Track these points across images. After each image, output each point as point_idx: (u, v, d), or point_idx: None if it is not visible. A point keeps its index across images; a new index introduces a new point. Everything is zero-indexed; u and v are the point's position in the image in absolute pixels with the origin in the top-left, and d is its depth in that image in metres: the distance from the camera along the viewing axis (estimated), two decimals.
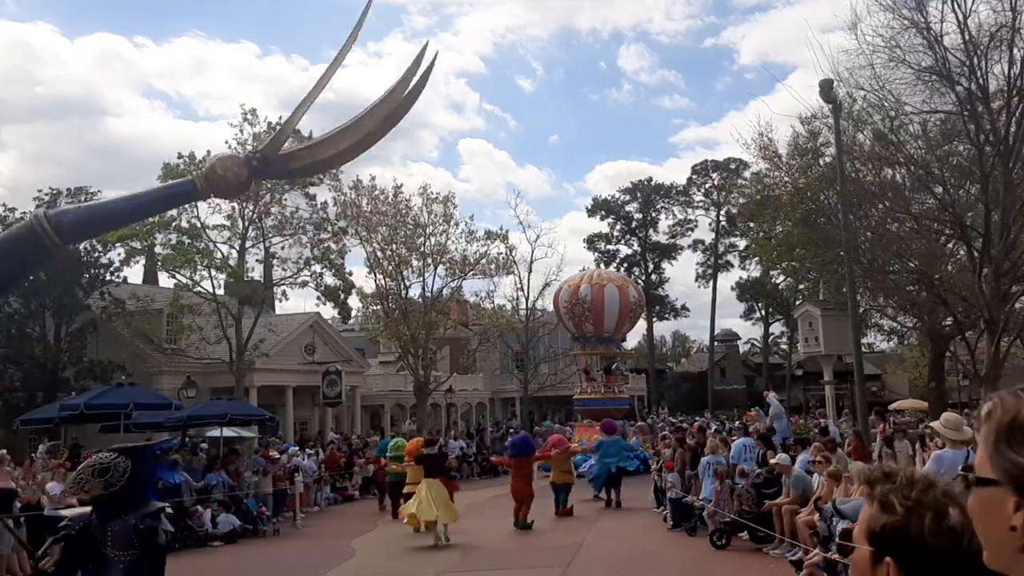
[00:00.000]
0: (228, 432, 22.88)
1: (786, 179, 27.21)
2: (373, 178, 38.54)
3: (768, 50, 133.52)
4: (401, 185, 39.00)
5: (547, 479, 20.66)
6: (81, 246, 32.16)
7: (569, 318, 33.97)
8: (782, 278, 48.17)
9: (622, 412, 32.47)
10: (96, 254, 32.55)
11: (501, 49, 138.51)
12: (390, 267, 38.62)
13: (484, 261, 40.37)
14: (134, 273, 36.02)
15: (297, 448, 26.19)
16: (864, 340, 29.57)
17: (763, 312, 68.87)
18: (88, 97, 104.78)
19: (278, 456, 23.24)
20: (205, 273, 31.79)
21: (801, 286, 42.03)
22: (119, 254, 32.06)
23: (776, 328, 70.22)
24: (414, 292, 40.12)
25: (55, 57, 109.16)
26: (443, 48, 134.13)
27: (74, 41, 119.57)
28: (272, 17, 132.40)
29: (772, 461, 14.13)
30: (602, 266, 63.91)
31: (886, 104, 18.52)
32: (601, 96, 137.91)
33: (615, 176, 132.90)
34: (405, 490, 17.81)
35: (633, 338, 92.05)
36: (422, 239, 38.71)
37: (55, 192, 32.31)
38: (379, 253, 38.30)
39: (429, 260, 39.06)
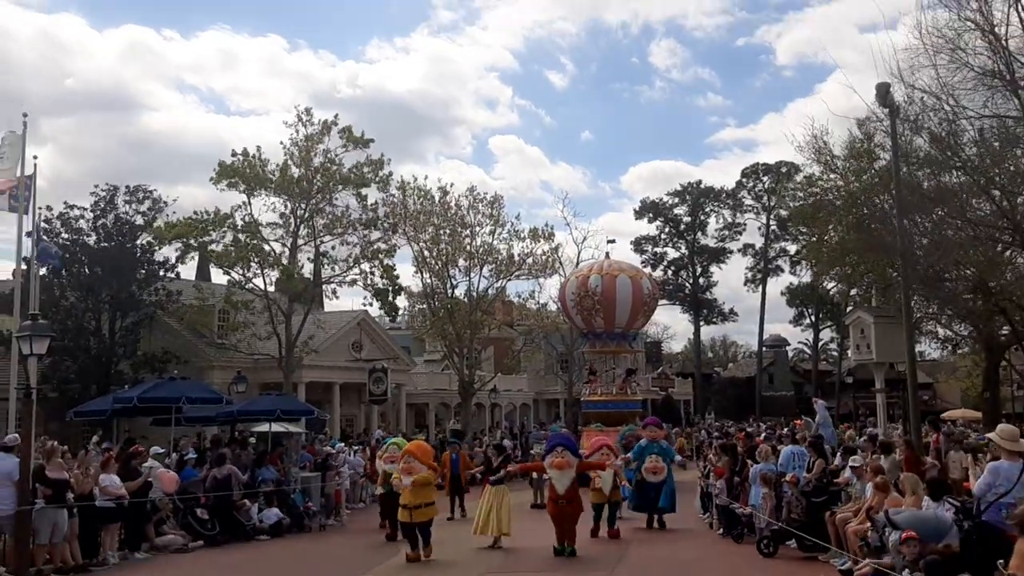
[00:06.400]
0: (276, 427, 23.10)
1: (840, 183, 26.75)
2: (418, 179, 38.69)
3: (805, 49, 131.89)
4: (451, 184, 39.13)
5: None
6: (137, 242, 32.89)
7: (577, 312, 30.96)
8: (833, 284, 47.43)
9: (634, 416, 29.33)
10: (152, 251, 33.15)
11: (531, 44, 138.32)
12: (437, 266, 38.76)
13: (530, 261, 40.23)
14: (187, 269, 36.66)
15: (343, 444, 26.38)
16: (917, 348, 28.98)
17: (813, 318, 68.10)
18: (121, 90, 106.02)
19: (332, 451, 23.44)
20: (257, 270, 32.23)
21: (853, 291, 41.36)
22: (175, 250, 32.66)
23: (826, 334, 69.44)
24: (459, 291, 40.25)
25: (84, 49, 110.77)
26: (471, 43, 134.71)
27: (102, 32, 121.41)
28: (297, 10, 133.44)
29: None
30: (649, 268, 63.59)
31: (946, 107, 18.14)
32: (632, 93, 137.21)
33: (651, 177, 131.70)
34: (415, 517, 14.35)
35: (679, 342, 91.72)
36: (468, 239, 38.76)
37: (112, 188, 32.91)
38: (426, 252, 38.47)
39: (475, 260, 39.08)
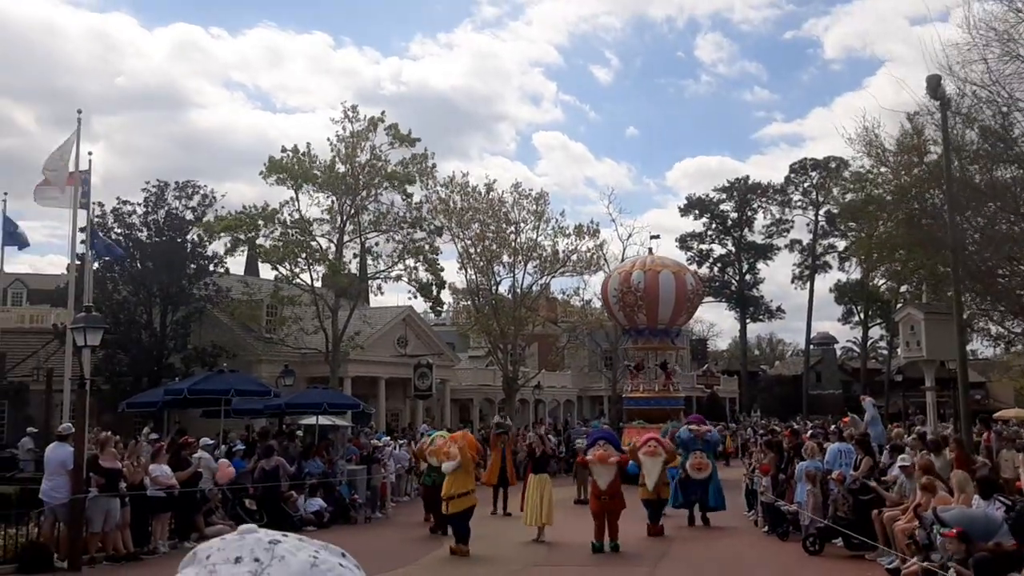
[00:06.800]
0: (323, 420, 23.38)
1: (891, 176, 26.30)
2: (465, 175, 38.84)
3: (854, 42, 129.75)
4: (494, 180, 39.19)
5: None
6: (188, 237, 33.49)
7: (619, 308, 30.44)
8: (883, 280, 46.69)
9: (676, 413, 28.68)
10: (203, 246, 33.72)
11: (575, 39, 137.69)
12: (481, 262, 38.85)
13: (574, 258, 40.12)
14: (236, 264, 37.20)
15: (388, 438, 26.60)
16: (968, 346, 28.39)
17: (862, 315, 67.04)
18: (170, 88, 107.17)
19: (378, 444, 23.68)
20: (304, 266, 32.63)
21: (903, 288, 40.72)
22: (224, 244, 33.19)
23: (875, 332, 68.32)
24: (503, 288, 40.31)
25: (135, 48, 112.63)
26: (516, 38, 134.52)
27: (152, 31, 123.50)
28: (342, 7, 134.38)
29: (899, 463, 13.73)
30: (694, 265, 63.09)
31: (998, 99, 17.76)
32: (678, 88, 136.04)
33: (696, 173, 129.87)
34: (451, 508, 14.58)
35: (725, 340, 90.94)
36: (513, 235, 38.78)
37: (163, 184, 33.51)
38: (470, 249, 38.58)
39: (519, 256, 39.09)
